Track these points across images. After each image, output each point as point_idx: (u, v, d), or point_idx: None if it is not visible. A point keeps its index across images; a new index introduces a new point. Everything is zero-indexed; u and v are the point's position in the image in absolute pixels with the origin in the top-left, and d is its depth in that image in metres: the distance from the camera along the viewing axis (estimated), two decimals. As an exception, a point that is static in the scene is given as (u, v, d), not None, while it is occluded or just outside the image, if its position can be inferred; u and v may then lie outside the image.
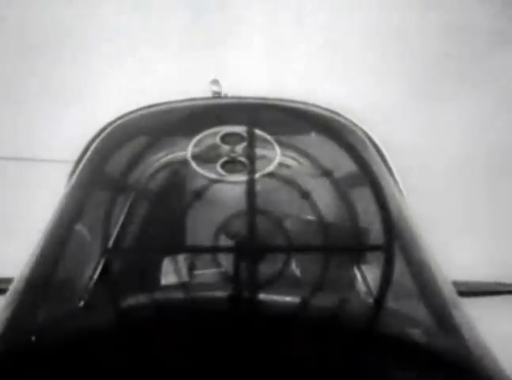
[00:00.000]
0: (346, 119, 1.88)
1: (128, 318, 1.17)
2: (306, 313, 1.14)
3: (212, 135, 1.60)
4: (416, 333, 1.22)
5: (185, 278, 1.37)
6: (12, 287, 1.35)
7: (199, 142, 1.58)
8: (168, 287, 1.36)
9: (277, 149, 1.54)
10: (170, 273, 1.36)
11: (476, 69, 3.65)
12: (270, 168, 1.51)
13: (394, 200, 1.53)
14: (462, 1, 3.78)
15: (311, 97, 1.86)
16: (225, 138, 1.59)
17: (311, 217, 1.33)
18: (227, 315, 1.14)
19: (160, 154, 1.68)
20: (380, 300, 1.18)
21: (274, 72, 3.52)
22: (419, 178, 2.78)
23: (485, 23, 3.70)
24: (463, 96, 3.54)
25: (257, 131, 1.54)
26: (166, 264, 1.39)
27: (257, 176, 1.45)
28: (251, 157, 1.43)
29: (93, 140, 1.81)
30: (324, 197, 1.42)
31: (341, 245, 1.31)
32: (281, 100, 1.88)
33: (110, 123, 1.86)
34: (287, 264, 1.22)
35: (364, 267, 1.32)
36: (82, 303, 1.30)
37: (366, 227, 1.37)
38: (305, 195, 1.32)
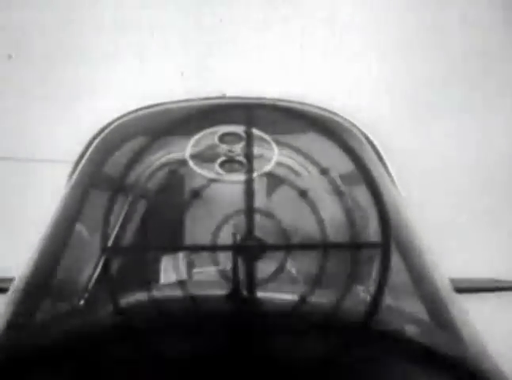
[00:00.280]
0: (344, 118, 1.88)
1: (127, 317, 1.17)
2: (303, 311, 1.15)
3: (210, 135, 1.61)
4: (412, 330, 1.23)
5: (184, 276, 1.38)
6: (12, 287, 1.36)
7: (197, 141, 1.59)
8: (167, 286, 1.37)
9: (275, 148, 1.55)
10: (168, 271, 1.37)
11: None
12: (268, 167, 1.52)
13: (391, 199, 1.54)
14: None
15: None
16: (223, 138, 1.60)
17: (308, 214, 1.34)
18: (226, 313, 1.15)
19: (159, 154, 1.68)
20: (376, 297, 1.19)
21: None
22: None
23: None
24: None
25: (256, 131, 1.54)
26: (165, 263, 1.39)
27: (255, 175, 1.45)
28: (249, 157, 1.44)
29: (92, 140, 1.82)
30: (322, 195, 1.43)
31: (339, 242, 1.31)
32: (279, 100, 1.88)
33: (109, 124, 1.86)
34: (285, 262, 1.23)
35: (361, 265, 1.33)
36: (81, 302, 1.30)
37: (363, 225, 1.38)
38: (303, 193, 1.33)
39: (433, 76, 3.53)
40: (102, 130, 1.84)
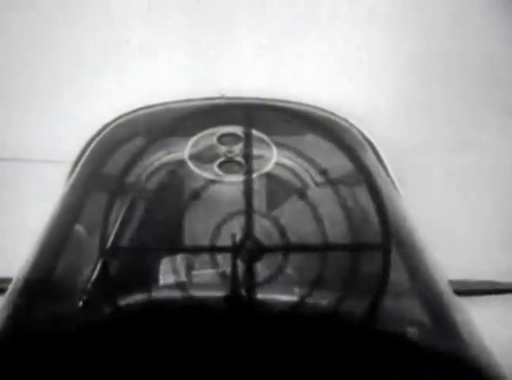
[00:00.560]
0: (342, 119, 1.88)
1: (125, 318, 1.17)
2: (303, 312, 1.15)
3: (209, 136, 1.60)
4: (413, 332, 1.23)
5: (183, 278, 1.38)
6: (11, 287, 1.36)
7: (196, 142, 1.59)
8: (165, 287, 1.36)
9: (274, 149, 1.55)
10: (167, 273, 1.37)
11: None
12: (267, 168, 1.52)
13: (390, 200, 1.54)
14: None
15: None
16: (222, 139, 1.59)
17: (308, 214, 1.34)
18: (225, 315, 1.15)
19: (157, 155, 1.68)
20: (376, 299, 1.19)
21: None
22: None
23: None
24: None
25: (254, 132, 1.54)
26: (164, 264, 1.39)
27: (254, 176, 1.45)
28: (248, 158, 1.44)
29: (91, 140, 1.81)
30: (321, 196, 1.42)
31: (338, 243, 1.31)
32: (278, 100, 1.88)
33: (108, 124, 1.86)
34: (284, 263, 1.23)
35: (361, 266, 1.32)
36: (80, 303, 1.30)
37: (363, 226, 1.38)
38: (301, 194, 1.33)
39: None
40: (101, 130, 1.84)
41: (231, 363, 1.04)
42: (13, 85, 3.47)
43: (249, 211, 1.22)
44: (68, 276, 1.41)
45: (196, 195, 1.33)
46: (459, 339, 1.22)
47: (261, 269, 1.21)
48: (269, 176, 1.56)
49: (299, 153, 1.63)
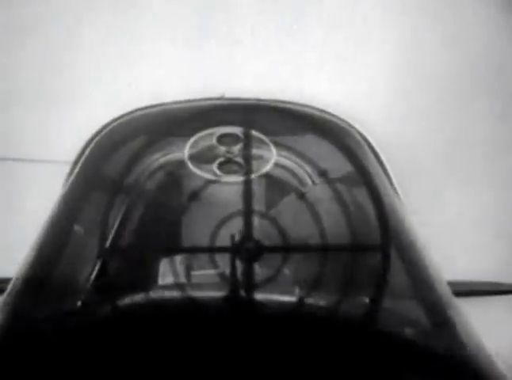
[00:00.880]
0: (342, 120, 1.88)
1: (125, 318, 1.17)
2: (302, 313, 1.15)
3: (208, 136, 1.60)
4: (411, 332, 1.23)
5: (183, 278, 1.38)
6: (10, 287, 1.36)
7: (196, 142, 1.59)
8: (165, 287, 1.37)
9: (273, 149, 1.55)
10: (167, 273, 1.37)
11: None
12: (266, 168, 1.52)
13: (389, 200, 1.54)
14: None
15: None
16: (221, 139, 1.59)
17: (307, 215, 1.34)
18: (225, 315, 1.15)
19: (157, 155, 1.68)
20: (375, 299, 1.19)
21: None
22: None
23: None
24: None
25: (254, 132, 1.54)
26: (163, 265, 1.39)
27: (253, 176, 1.45)
28: (247, 158, 1.44)
29: (90, 141, 1.81)
30: (320, 197, 1.43)
31: (338, 244, 1.31)
32: (277, 101, 1.88)
33: (107, 124, 1.86)
34: (284, 264, 1.23)
35: (360, 267, 1.33)
36: (79, 303, 1.30)
37: (362, 227, 1.38)
38: (300, 195, 1.33)
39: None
40: (100, 130, 1.84)
41: (230, 363, 1.04)
42: (13, 86, 3.47)
43: (248, 212, 1.22)
44: (67, 276, 1.41)
45: (195, 195, 1.33)
46: (456, 339, 1.22)
47: (261, 269, 1.22)
48: (268, 176, 1.56)
49: (299, 154, 1.63)
